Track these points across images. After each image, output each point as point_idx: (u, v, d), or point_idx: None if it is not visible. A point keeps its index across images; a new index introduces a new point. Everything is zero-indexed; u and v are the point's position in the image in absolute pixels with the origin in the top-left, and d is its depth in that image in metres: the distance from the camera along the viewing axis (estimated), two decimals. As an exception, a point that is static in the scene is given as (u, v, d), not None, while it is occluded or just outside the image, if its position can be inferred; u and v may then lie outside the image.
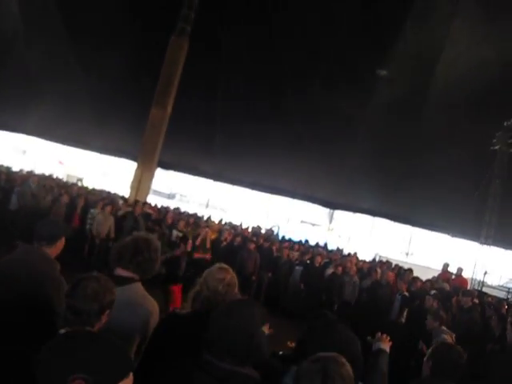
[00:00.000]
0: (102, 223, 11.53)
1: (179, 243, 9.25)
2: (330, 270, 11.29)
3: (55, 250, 3.18)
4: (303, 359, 1.97)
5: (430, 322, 6.33)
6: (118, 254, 2.98)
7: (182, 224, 11.40)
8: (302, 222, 28.44)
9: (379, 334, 3.17)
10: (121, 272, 2.92)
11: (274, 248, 12.96)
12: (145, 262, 2.96)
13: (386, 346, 3.06)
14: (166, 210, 16.25)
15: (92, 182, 25.32)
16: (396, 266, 14.91)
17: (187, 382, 2.02)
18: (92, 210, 12.00)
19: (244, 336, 2.05)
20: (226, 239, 12.03)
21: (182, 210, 18.19)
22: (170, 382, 2.12)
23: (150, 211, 13.63)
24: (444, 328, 6.12)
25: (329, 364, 1.86)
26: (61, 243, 3.21)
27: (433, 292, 8.85)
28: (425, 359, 3.27)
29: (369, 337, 3.23)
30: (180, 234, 10.44)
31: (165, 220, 12.15)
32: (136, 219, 11.17)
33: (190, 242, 9.93)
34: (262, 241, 13.18)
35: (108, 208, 11.98)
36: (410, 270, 12.18)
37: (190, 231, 11.41)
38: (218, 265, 3.06)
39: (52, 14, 22.56)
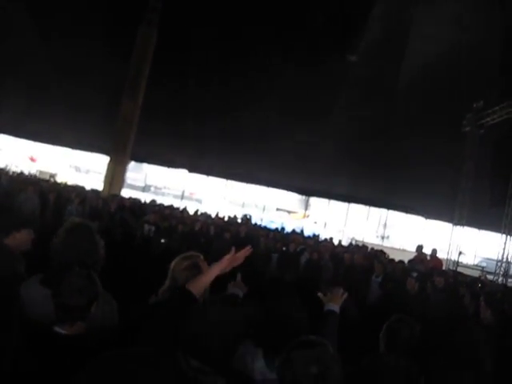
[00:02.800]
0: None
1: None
2: (305, 257, 11.29)
3: (12, 241, 3.06)
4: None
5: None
6: None
7: (152, 217, 10.82)
8: (277, 209, 28.54)
9: (337, 290, 3.12)
10: None
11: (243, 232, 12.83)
12: None
13: (336, 305, 3.01)
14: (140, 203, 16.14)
15: (65, 177, 24.98)
16: (372, 249, 15.07)
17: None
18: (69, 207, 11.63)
19: (219, 341, 1.95)
20: (200, 229, 11.94)
21: (157, 202, 18.04)
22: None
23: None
24: None
25: None
26: (20, 235, 3.12)
27: (415, 274, 8.91)
28: (380, 335, 3.29)
29: (319, 293, 3.12)
30: (152, 228, 10.16)
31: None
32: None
33: None
34: (239, 229, 13.09)
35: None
36: (383, 252, 12.35)
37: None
38: (184, 254, 3.02)
39: (20, 8, 22.10)
